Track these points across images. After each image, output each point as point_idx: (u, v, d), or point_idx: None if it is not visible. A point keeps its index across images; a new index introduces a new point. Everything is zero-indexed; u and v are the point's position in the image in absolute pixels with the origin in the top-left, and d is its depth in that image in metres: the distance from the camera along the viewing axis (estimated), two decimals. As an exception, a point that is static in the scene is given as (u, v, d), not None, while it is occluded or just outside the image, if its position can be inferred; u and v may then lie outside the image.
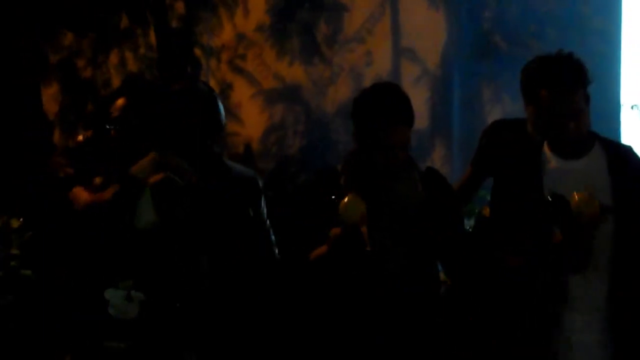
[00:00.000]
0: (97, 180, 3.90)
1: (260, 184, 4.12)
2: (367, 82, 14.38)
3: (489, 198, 4.99)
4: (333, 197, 3.91)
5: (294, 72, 13.99)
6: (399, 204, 4.06)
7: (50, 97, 11.94)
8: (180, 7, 12.40)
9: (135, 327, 3.49)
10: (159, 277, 3.58)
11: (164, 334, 3.55)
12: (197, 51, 12.68)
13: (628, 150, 4.80)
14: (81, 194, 3.83)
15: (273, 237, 4.01)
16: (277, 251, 4.00)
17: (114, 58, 12.51)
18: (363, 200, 3.86)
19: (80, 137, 4.79)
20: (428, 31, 13.88)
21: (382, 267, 3.94)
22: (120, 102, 3.91)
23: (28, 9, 9.42)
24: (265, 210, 4.07)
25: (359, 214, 3.85)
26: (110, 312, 3.51)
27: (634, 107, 12.25)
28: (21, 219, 3.32)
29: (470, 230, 5.05)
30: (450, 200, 4.32)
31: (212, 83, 12.52)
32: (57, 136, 12.04)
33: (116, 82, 12.57)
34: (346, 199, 3.89)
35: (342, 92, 14.10)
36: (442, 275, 4.25)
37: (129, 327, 3.48)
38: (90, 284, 3.55)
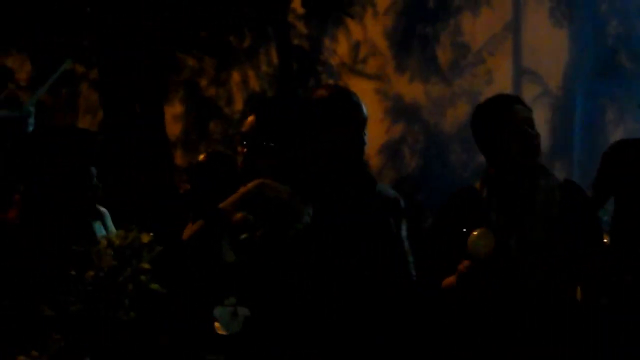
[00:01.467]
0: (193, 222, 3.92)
1: (402, 204, 4.03)
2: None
3: (604, 218, 4.88)
4: (464, 229, 3.78)
5: (414, 91, 13.94)
6: (540, 213, 3.95)
7: (173, 118, 12.14)
8: (301, 25, 12.49)
9: (234, 341, 3.49)
10: (262, 294, 3.57)
11: (262, 348, 3.55)
12: (319, 68, 12.74)
13: None
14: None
15: (412, 259, 3.92)
16: (414, 273, 3.92)
17: (236, 76, 12.66)
18: (492, 235, 3.74)
19: (201, 157, 4.80)
20: (550, 50, 13.69)
21: (525, 282, 3.84)
22: (250, 119, 3.90)
23: (150, 32, 9.62)
24: (405, 232, 3.99)
25: (488, 249, 3.74)
26: (217, 330, 3.51)
27: None
28: (151, 234, 3.34)
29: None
30: (589, 211, 4.20)
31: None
32: (180, 155, 12.24)
33: (239, 100, 12.72)
34: (475, 233, 3.77)
35: (461, 112, 13.97)
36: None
37: (228, 340, 3.49)
38: (196, 300, 3.58)
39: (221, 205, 3.62)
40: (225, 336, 3.48)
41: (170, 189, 9.47)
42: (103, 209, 4.32)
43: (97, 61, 10.10)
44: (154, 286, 3.26)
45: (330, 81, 12.95)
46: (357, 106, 3.82)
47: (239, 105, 12.81)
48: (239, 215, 3.54)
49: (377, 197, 3.88)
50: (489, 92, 13.71)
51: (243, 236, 3.51)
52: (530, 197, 3.90)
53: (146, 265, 3.27)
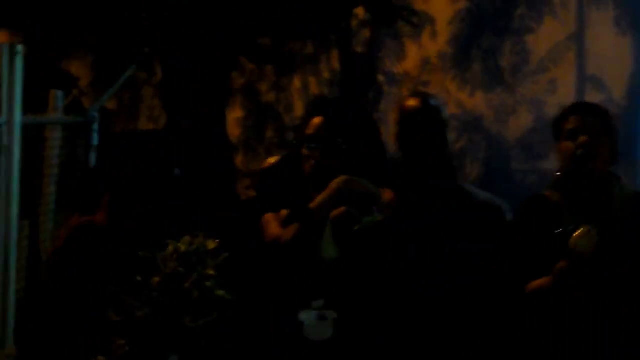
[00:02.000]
0: (283, 212, 3.89)
1: (508, 214, 4.05)
2: (550, 111, 14.19)
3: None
4: (559, 230, 3.79)
5: (476, 100, 13.84)
6: (616, 221, 3.95)
7: (234, 122, 12.17)
8: (365, 33, 12.45)
9: (329, 348, 3.47)
10: (351, 297, 3.55)
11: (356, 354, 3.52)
12: (380, 77, 12.69)
13: None
14: (271, 226, 3.82)
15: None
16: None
17: (296, 82, 12.65)
18: (596, 232, 3.75)
19: (270, 161, 4.79)
20: (615, 59, 13.53)
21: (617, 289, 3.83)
22: (316, 120, 3.87)
23: (212, 38, 9.67)
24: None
25: (591, 247, 3.75)
26: (306, 335, 3.50)
27: None
28: (217, 241, 3.34)
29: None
30: None
31: (394, 109, 12.52)
32: (240, 159, 12.25)
33: (298, 106, 12.70)
34: (579, 232, 3.77)
35: (523, 121, 13.87)
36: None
37: (323, 348, 3.47)
38: (283, 306, 3.57)
39: (312, 204, 3.63)
40: (316, 341, 3.47)
41: (231, 196, 9.49)
42: None
43: (161, 66, 10.16)
44: (220, 292, 3.26)
45: (392, 90, 12.93)
46: (435, 110, 3.95)
47: (298, 111, 12.80)
48: (341, 209, 3.57)
49: (463, 199, 3.89)
50: (552, 101, 13.60)
51: (357, 227, 3.54)
52: (605, 206, 3.91)
53: (211, 272, 3.27)
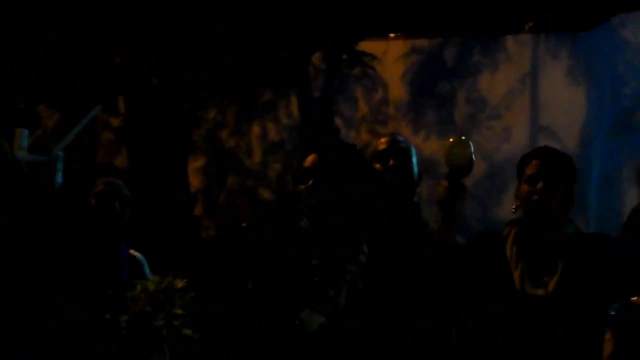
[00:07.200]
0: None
1: None
2: (503, 159, 14.34)
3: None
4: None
5: (430, 146, 13.97)
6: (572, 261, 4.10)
7: (195, 171, 12.18)
8: (320, 79, 12.57)
9: None
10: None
11: None
12: (338, 121, 12.81)
13: None
14: None
15: None
16: None
17: (256, 129, 12.73)
18: (469, 143, 4.02)
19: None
20: (567, 108, 13.71)
21: None
22: (312, 157, 4.01)
23: (181, 86, 9.71)
24: None
25: (467, 156, 4.00)
26: None
27: None
28: (185, 280, 3.39)
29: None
30: None
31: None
32: (199, 208, 12.26)
33: (257, 151, 12.76)
34: (452, 140, 4.06)
35: (478, 169, 13.93)
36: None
37: None
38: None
39: None
40: None
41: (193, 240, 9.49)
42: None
43: (125, 111, 10.13)
44: (187, 331, 3.30)
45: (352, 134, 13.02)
46: None
47: (257, 156, 12.84)
48: None
49: None
50: (505, 149, 13.72)
51: None
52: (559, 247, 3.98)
53: (179, 311, 3.30)
